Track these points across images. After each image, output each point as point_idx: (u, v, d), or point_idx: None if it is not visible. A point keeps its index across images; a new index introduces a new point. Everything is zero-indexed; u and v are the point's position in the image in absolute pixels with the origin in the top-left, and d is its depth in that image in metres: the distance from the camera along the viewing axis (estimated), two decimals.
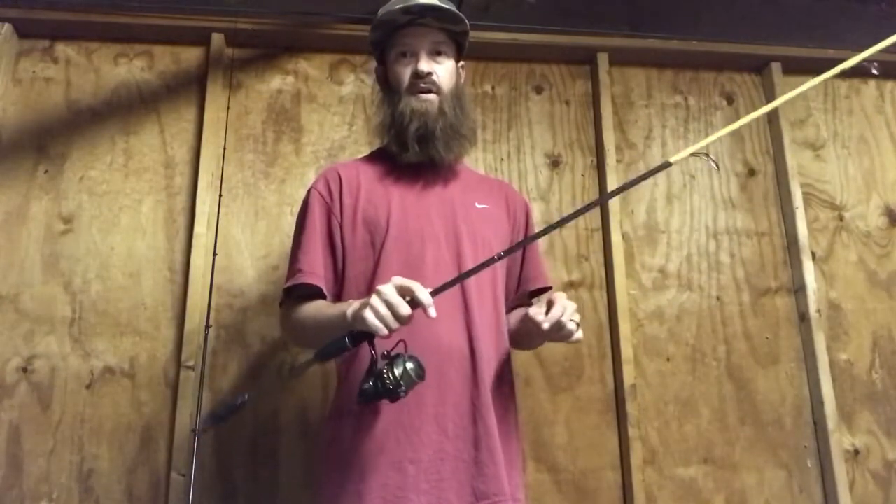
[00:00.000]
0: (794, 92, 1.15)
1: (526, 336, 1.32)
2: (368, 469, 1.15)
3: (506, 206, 1.41)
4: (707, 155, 1.13)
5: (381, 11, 1.36)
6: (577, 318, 1.18)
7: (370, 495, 1.13)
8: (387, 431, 1.16)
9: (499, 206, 1.39)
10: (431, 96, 1.32)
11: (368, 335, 1.03)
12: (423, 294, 1.02)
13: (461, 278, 1.10)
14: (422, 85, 1.31)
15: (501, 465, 1.17)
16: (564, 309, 1.15)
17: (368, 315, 1.01)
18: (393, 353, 1.06)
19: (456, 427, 1.17)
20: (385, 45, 1.39)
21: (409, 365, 1.05)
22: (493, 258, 1.10)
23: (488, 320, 1.26)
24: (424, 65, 1.32)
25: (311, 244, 1.27)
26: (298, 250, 1.28)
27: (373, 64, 1.47)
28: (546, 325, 1.13)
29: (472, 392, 1.19)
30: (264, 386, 1.07)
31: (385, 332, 1.01)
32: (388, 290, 1.03)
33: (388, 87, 1.38)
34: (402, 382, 1.03)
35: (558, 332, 1.16)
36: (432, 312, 1.02)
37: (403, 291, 1.03)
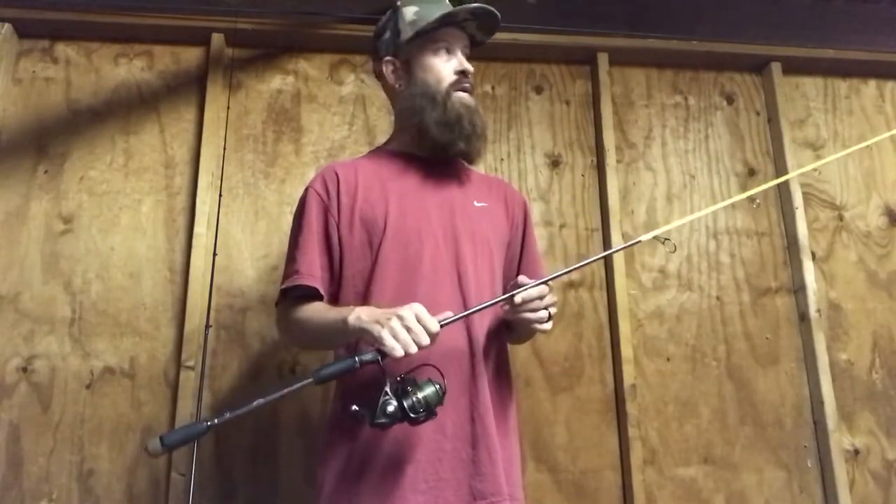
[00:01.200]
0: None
1: (512, 322, 1.30)
2: (366, 468, 1.15)
3: (504, 205, 1.41)
4: (666, 240, 1.23)
5: (452, 8, 1.33)
6: (553, 310, 1.19)
7: (368, 494, 1.13)
8: (385, 431, 1.16)
9: (498, 204, 1.40)
10: (471, 97, 1.35)
11: (378, 358, 1.03)
12: (434, 330, 1.04)
13: (474, 311, 1.13)
14: (466, 84, 1.34)
15: (499, 464, 1.17)
16: (542, 293, 1.15)
17: (387, 336, 1.02)
18: (408, 376, 1.06)
19: (454, 426, 1.17)
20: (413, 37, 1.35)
21: (437, 388, 1.05)
22: (505, 297, 1.13)
23: (487, 321, 1.26)
24: (468, 64, 1.35)
25: (308, 245, 1.27)
26: (296, 251, 1.28)
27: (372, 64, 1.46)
28: (517, 299, 1.13)
29: (470, 391, 1.20)
30: (234, 412, 1.00)
31: (401, 354, 1.01)
32: (409, 316, 1.04)
33: (409, 77, 1.36)
34: (432, 406, 1.04)
35: (529, 311, 1.15)
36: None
37: (419, 321, 1.04)
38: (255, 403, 1.02)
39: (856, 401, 2.03)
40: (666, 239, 1.22)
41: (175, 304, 1.83)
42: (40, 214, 1.86)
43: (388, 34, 1.39)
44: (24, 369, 1.75)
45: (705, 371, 2.00)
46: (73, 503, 1.68)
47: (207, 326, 1.71)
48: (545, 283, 1.17)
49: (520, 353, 1.89)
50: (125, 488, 1.70)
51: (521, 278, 1.16)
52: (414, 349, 1.02)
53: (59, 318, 1.79)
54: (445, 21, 1.33)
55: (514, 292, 1.13)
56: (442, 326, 1.06)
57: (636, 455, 1.86)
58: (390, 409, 1.02)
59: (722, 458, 1.93)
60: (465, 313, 1.13)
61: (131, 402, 1.76)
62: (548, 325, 1.19)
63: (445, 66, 1.34)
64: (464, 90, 1.33)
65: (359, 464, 1.16)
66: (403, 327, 1.03)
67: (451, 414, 1.17)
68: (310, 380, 1.03)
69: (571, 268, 1.25)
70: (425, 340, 1.03)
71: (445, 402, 1.16)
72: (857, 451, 1.99)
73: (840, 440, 1.95)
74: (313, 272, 1.25)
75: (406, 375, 1.06)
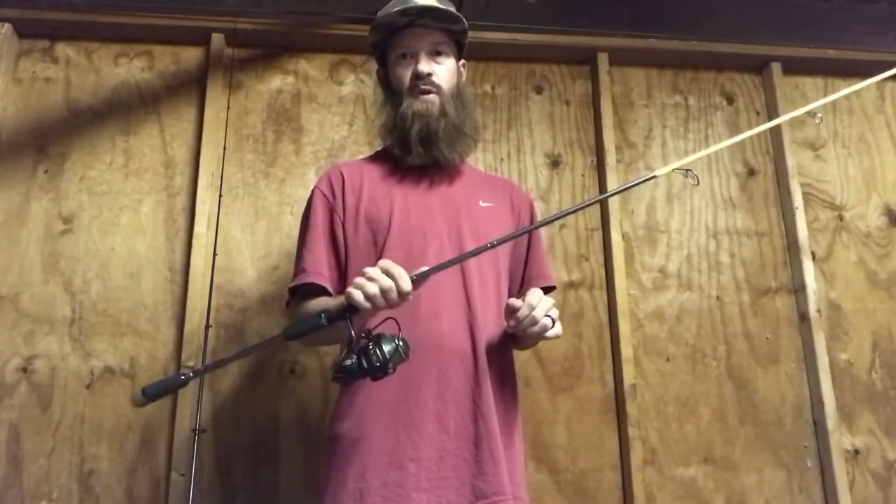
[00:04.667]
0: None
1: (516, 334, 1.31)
2: (369, 467, 1.15)
3: (510, 205, 1.41)
4: (688, 171, 1.21)
5: (379, 14, 1.36)
6: (553, 313, 1.18)
7: (371, 493, 1.13)
8: (387, 429, 1.16)
9: (503, 204, 1.40)
10: (432, 97, 1.32)
11: (345, 312, 1.03)
12: (405, 282, 1.04)
13: (443, 266, 1.10)
14: (422, 86, 1.32)
15: (502, 463, 1.17)
16: (532, 307, 1.15)
17: (353, 291, 1.03)
18: (375, 331, 1.06)
19: (457, 425, 1.18)
20: (385, 47, 1.40)
21: (399, 343, 1.04)
22: (486, 245, 1.12)
23: (491, 319, 1.26)
24: (424, 66, 1.32)
25: (314, 243, 1.28)
26: (303, 249, 1.29)
27: (373, 64, 1.47)
28: (512, 323, 1.15)
29: (473, 390, 1.20)
30: (210, 367, 1.06)
31: (367, 306, 1.02)
32: (374, 270, 1.05)
33: (389, 89, 1.39)
34: (390, 360, 1.03)
35: (531, 326, 1.15)
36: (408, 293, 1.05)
37: (388, 274, 1.04)
38: (232, 354, 1.06)
39: (856, 401, 2.03)
40: (687, 170, 1.22)
41: (175, 304, 1.83)
42: (40, 214, 1.86)
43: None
44: (24, 369, 1.75)
45: (705, 371, 2.00)
46: (73, 503, 1.68)
47: (207, 326, 1.71)
48: (544, 223, 1.17)
49: (520, 354, 1.87)
50: (125, 488, 1.70)
51: (512, 301, 1.17)
52: (381, 301, 1.02)
53: (59, 318, 1.79)
54: (387, 29, 1.36)
55: (489, 244, 1.13)
56: (416, 280, 1.05)
57: (636, 455, 1.86)
58: (348, 362, 1.02)
59: (722, 458, 1.93)
60: (442, 264, 1.10)
61: (131, 402, 1.76)
62: (556, 330, 1.18)
63: (404, 73, 1.34)
64: (421, 93, 1.32)
65: (362, 461, 1.16)
66: (368, 280, 1.03)
67: (454, 414, 1.18)
68: (279, 335, 1.05)
69: (576, 207, 1.25)
70: (387, 283, 1.03)
71: (448, 399, 1.17)
72: (857, 451, 1.98)
73: (840, 440, 1.95)
74: (320, 270, 1.26)
75: (371, 331, 1.06)
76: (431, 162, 1.32)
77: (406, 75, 1.33)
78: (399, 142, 1.32)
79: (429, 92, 1.32)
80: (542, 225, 1.15)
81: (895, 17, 2.31)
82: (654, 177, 1.20)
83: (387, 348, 1.03)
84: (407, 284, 1.04)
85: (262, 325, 1.84)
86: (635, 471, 1.84)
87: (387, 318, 1.07)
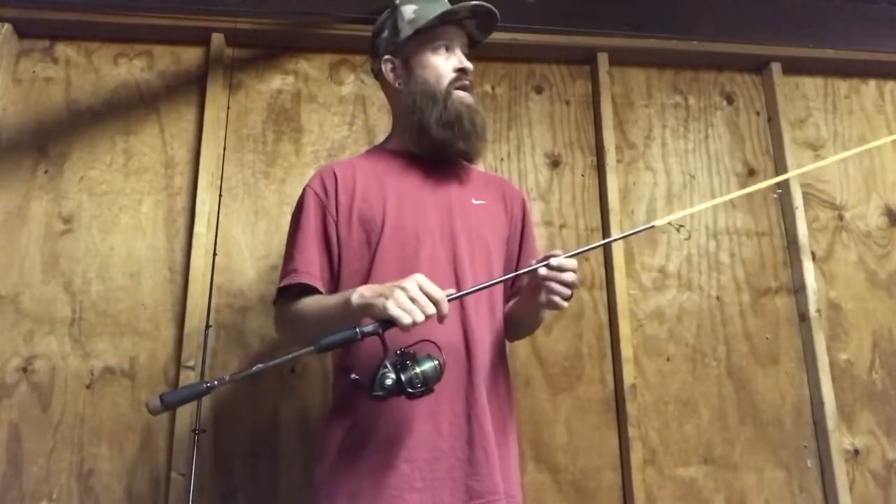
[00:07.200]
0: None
1: (521, 311, 1.34)
2: (363, 468, 1.15)
3: (503, 202, 1.42)
4: (681, 226, 1.25)
5: (418, 11, 1.34)
6: (574, 281, 1.18)
7: (364, 494, 1.14)
8: (381, 430, 1.16)
9: (496, 201, 1.40)
10: (471, 95, 1.36)
11: (379, 329, 1.02)
12: (445, 307, 1.04)
13: (474, 290, 1.14)
14: (465, 81, 1.34)
15: (496, 463, 1.17)
16: (574, 267, 1.16)
17: (392, 306, 1.01)
18: (407, 351, 1.06)
19: (451, 426, 1.18)
20: (409, 39, 1.35)
21: (437, 363, 1.05)
22: (502, 279, 1.23)
23: (485, 320, 1.26)
24: (467, 62, 1.36)
25: (306, 243, 1.27)
26: (294, 249, 1.28)
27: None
28: (554, 262, 1.15)
29: (466, 391, 1.20)
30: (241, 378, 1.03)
31: (409, 321, 1.00)
32: (413, 287, 1.03)
33: (409, 76, 1.35)
34: (429, 380, 1.04)
35: (558, 282, 1.16)
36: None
37: (429, 297, 1.03)
38: (255, 368, 1.02)
39: (856, 401, 2.03)
40: (681, 226, 1.25)
41: (175, 304, 1.83)
42: (40, 214, 1.86)
43: (386, 33, 1.39)
44: (24, 369, 1.75)
45: (705, 371, 2.00)
46: (73, 503, 1.68)
47: (207, 326, 1.71)
48: (573, 255, 1.18)
49: (520, 353, 1.89)
50: (125, 488, 1.70)
51: (557, 252, 1.18)
52: (421, 317, 1.01)
53: (59, 318, 1.79)
54: (445, 19, 1.33)
55: (544, 263, 1.15)
56: (450, 300, 1.05)
57: (636, 455, 1.86)
58: (388, 382, 1.02)
59: (722, 458, 1.93)
60: (477, 288, 1.14)
61: (131, 402, 1.76)
62: (565, 304, 1.18)
63: (445, 64, 1.34)
64: (463, 88, 1.34)
65: (354, 462, 1.16)
66: (408, 298, 1.02)
67: (447, 414, 1.18)
68: (311, 348, 1.02)
69: (586, 248, 1.28)
70: (431, 310, 1.02)
71: (442, 400, 1.17)
72: (857, 451, 1.99)
73: (840, 440, 1.95)
74: (311, 270, 1.25)
75: (405, 350, 1.05)
76: (433, 157, 1.34)
77: (447, 66, 1.34)
78: (444, 130, 1.30)
79: (469, 89, 1.35)
80: (533, 267, 1.18)
81: (895, 17, 2.31)
82: (652, 226, 1.23)
83: (427, 367, 1.04)
84: (446, 309, 1.04)
85: (262, 326, 1.84)
86: (635, 471, 1.84)
87: (421, 341, 1.08)
